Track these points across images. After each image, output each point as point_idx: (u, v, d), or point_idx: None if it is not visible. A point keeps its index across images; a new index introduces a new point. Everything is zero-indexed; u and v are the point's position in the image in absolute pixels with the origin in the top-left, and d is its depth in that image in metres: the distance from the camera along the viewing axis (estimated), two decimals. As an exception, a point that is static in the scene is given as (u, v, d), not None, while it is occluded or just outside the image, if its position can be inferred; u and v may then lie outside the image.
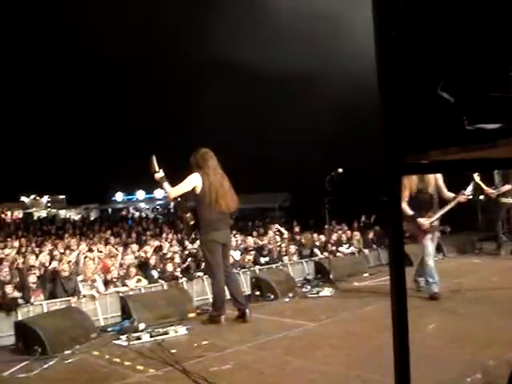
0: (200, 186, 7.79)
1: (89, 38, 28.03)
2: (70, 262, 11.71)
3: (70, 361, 6.40)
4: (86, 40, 28.19)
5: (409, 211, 8.31)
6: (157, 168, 7.83)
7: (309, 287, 10.46)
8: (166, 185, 7.83)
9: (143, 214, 35.49)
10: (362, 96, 12.67)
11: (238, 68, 24.16)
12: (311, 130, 23.25)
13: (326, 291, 9.91)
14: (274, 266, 13.17)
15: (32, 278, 10.73)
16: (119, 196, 47.40)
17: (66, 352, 6.70)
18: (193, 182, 7.82)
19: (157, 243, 14.93)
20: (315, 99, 22.36)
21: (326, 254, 13.03)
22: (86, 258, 12.31)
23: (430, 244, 8.59)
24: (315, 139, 23.37)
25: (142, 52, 29.21)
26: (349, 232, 15.86)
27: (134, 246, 14.04)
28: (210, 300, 11.81)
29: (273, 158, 26.30)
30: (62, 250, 13.87)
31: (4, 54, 30.12)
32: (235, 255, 13.93)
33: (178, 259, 12.65)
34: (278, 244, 15.01)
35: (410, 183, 8.39)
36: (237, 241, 15.32)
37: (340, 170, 10.89)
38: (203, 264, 13.11)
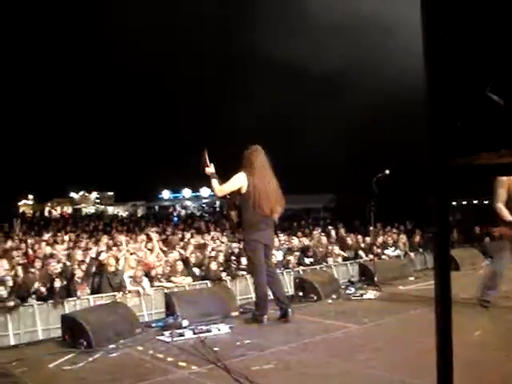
0: (245, 187, 7.76)
1: (140, 39, 28.42)
2: (116, 257, 11.90)
3: (114, 355, 6.50)
4: (138, 40, 28.59)
5: (507, 215, 7.52)
6: (208, 162, 7.84)
7: (353, 289, 10.37)
8: (214, 181, 7.82)
9: (189, 212, 35.79)
10: (409, 93, 12.49)
11: (283, 67, 24.14)
12: (357, 130, 23.05)
13: (370, 294, 9.82)
14: (318, 267, 13.13)
15: (79, 273, 10.95)
16: (166, 194, 47.93)
17: (111, 346, 6.80)
18: (238, 182, 7.79)
19: (201, 241, 15.04)
20: (360, 98, 22.15)
21: (371, 256, 12.91)
22: (131, 254, 12.48)
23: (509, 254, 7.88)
24: (362, 139, 23.17)
25: (189, 53, 29.45)
26: (395, 235, 15.69)
27: (179, 244, 14.18)
28: (254, 299, 11.91)
29: (319, 158, 26.19)
30: (110, 246, 14.10)
31: (59, 52, 30.81)
32: (278, 255, 13.93)
33: (221, 258, 12.72)
34: (323, 245, 14.94)
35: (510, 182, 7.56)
36: (280, 241, 15.30)
37: (387, 172, 10.77)
38: (247, 263, 13.18)
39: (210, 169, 7.84)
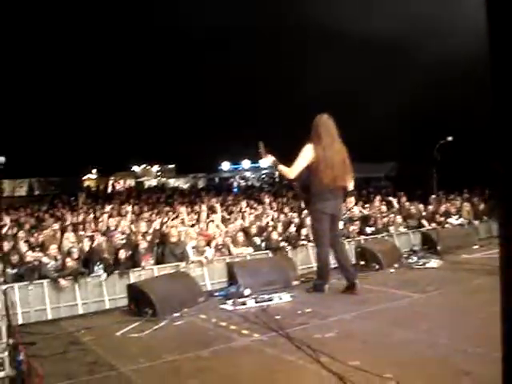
0: (312, 157, 7.66)
1: (191, 12, 28.43)
2: (178, 228, 12.09)
3: (178, 323, 6.66)
4: (189, 14, 28.61)
5: None
6: (265, 154, 7.77)
7: (415, 258, 10.25)
8: (280, 167, 7.81)
9: (249, 183, 35.96)
10: (472, 61, 12.10)
11: (345, 39, 23.74)
12: (420, 98, 22.52)
13: (433, 263, 9.69)
14: (379, 236, 13.01)
15: (143, 244, 11.20)
16: (226, 165, 48.23)
17: (175, 315, 6.96)
18: (307, 154, 7.66)
19: (261, 212, 15.11)
20: (423, 66, 21.58)
21: (433, 224, 12.69)
22: (192, 225, 12.67)
23: None
24: (424, 106, 22.63)
25: (247, 26, 29.28)
26: (458, 203, 15.36)
27: (239, 215, 14.29)
28: (315, 268, 11.93)
29: (380, 127, 25.79)
30: (171, 218, 14.33)
31: (120, 31, 31.24)
32: (339, 224, 13.87)
33: (280, 228, 12.75)
34: (385, 214, 14.77)
35: None
36: (340, 210, 15.20)
37: (449, 138, 10.50)
38: (308, 233, 13.18)
39: (268, 159, 7.80)
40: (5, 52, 29.19)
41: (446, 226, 13.44)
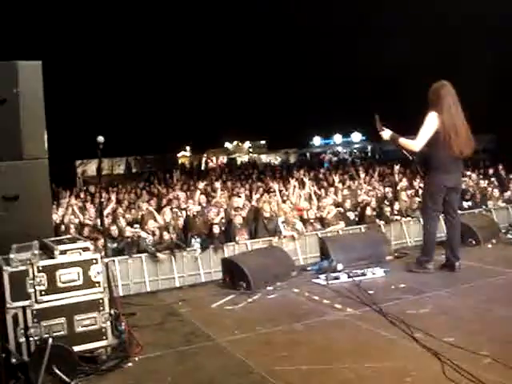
0: (438, 126, 7.11)
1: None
2: (270, 203, 12.23)
3: (272, 296, 6.76)
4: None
5: None
6: (381, 127, 7.36)
7: (514, 234, 9.86)
8: (402, 140, 7.31)
9: (340, 158, 35.70)
10: None
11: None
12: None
13: (534, 238, 9.30)
14: (476, 210, 12.64)
15: (238, 219, 11.42)
16: (317, 140, 48.04)
17: (268, 288, 7.07)
18: (433, 123, 7.10)
19: (353, 186, 15.01)
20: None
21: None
22: (284, 201, 12.75)
23: None
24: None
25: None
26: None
27: (331, 189, 14.26)
28: (408, 244, 11.76)
29: (478, 97, 24.87)
30: (264, 193, 14.48)
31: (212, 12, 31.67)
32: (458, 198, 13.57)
33: (374, 203, 12.64)
34: (482, 188, 14.31)
35: None
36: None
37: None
38: (400, 208, 12.98)
39: (386, 133, 7.36)
40: (101, 34, 30.27)
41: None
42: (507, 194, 13.84)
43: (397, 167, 15.94)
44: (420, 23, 25.80)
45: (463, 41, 24.37)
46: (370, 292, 6.49)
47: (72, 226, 10.80)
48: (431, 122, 7.10)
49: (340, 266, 7.69)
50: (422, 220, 8.18)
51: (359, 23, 29.46)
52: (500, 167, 17.26)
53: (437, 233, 7.65)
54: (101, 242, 8.95)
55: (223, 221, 11.73)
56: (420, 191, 14.37)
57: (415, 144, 7.17)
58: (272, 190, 14.66)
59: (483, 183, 14.96)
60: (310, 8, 30.32)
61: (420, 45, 25.39)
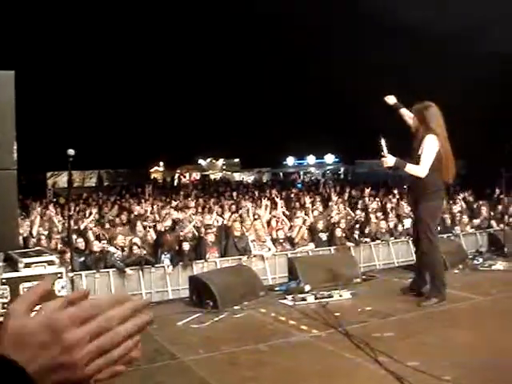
0: (437, 150, 6.92)
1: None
2: (241, 222, 12.22)
3: (238, 316, 6.74)
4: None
5: None
6: (386, 152, 6.88)
7: (480, 260, 9.98)
8: (408, 167, 6.93)
9: (313, 178, 35.92)
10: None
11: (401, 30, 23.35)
12: (486, 93, 21.85)
13: (499, 265, 9.42)
14: (445, 236, 12.76)
15: (210, 237, 11.38)
16: (290, 160, 48.25)
17: (235, 307, 7.05)
18: (434, 147, 6.86)
19: (323, 208, 15.08)
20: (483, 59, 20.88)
21: (502, 225, 12.34)
22: (255, 219, 12.74)
23: None
24: (494, 103, 21.96)
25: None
26: (529, 204, 14.88)
27: (302, 210, 14.29)
28: (377, 267, 11.83)
29: (449, 123, 25.24)
30: (236, 211, 14.47)
31: (187, 18, 31.71)
32: (406, 223, 13.71)
33: (343, 224, 12.70)
34: (451, 214, 14.48)
35: None
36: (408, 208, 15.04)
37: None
38: (370, 230, 13.07)
39: (390, 159, 6.84)
40: (74, 46, 30.16)
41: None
42: (477, 220, 14.02)
43: (367, 190, 16.08)
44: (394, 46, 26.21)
45: (436, 65, 24.79)
46: (337, 314, 6.51)
47: (40, 238, 10.65)
48: (432, 146, 6.88)
49: (307, 287, 7.71)
50: (424, 247, 7.28)
51: (335, 48, 29.79)
52: (468, 193, 17.51)
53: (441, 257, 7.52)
54: (68, 255, 8.84)
55: (194, 237, 11.68)
56: (391, 214, 14.51)
57: (421, 170, 6.88)
58: (244, 208, 14.67)
59: (453, 208, 15.14)
60: (288, 28, 30.61)
61: (392, 67, 25.76)
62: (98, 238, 11.45)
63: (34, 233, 11.19)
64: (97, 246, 10.74)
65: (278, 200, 14.51)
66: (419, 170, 6.88)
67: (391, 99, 7.55)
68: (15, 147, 5.83)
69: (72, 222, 8.36)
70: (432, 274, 7.13)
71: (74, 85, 31.09)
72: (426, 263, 7.24)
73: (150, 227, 12.23)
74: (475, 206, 15.46)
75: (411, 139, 7.24)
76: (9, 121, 5.80)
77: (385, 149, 6.89)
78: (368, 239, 12.33)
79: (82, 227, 11.69)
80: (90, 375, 0.74)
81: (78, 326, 0.73)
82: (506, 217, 12.59)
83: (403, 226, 13.46)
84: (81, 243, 10.72)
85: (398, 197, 17.60)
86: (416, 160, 6.91)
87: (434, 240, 7.13)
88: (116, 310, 0.76)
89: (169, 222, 12.26)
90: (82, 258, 10.49)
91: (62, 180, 29.78)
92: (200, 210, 15.34)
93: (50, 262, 4.81)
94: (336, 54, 29.07)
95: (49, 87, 29.66)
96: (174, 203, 14.75)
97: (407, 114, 7.44)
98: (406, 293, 7.52)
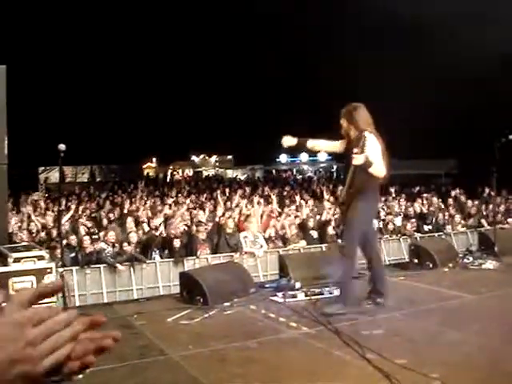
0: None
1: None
2: (234, 219, 12.22)
3: (228, 312, 6.75)
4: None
5: None
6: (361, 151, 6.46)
7: (471, 259, 10.01)
8: (373, 167, 6.48)
9: (306, 176, 35.96)
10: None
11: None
12: (479, 92, 21.92)
13: (489, 264, 9.46)
14: (436, 234, 12.83)
15: (201, 234, 11.38)
16: (283, 158, 48.26)
17: (225, 304, 7.06)
18: (376, 144, 6.57)
19: (317, 205, 15.09)
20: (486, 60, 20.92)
21: (492, 225, 12.40)
22: (248, 216, 12.75)
23: None
24: (487, 101, 22.03)
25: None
26: (519, 203, 14.96)
27: (295, 207, 14.30)
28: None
29: (441, 122, 25.30)
30: (228, 208, 14.46)
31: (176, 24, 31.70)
32: (397, 221, 13.76)
33: (333, 222, 12.73)
34: (443, 213, 14.54)
35: None
36: (400, 206, 15.10)
37: (511, 137, 10.17)
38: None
39: (361, 157, 6.41)
40: (67, 41, 30.07)
41: (506, 226, 13.12)
42: (467, 219, 14.08)
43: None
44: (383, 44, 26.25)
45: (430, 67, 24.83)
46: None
47: (29, 233, 10.62)
48: (375, 143, 6.58)
49: (298, 285, 7.73)
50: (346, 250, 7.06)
51: (332, 46, 29.81)
52: (460, 192, 17.57)
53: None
54: (58, 250, 8.82)
55: (185, 234, 11.67)
56: (382, 212, 14.55)
57: (381, 170, 6.61)
58: (236, 205, 14.67)
59: (444, 208, 15.20)
60: (285, 27, 30.66)
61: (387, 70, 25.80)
62: (89, 233, 11.43)
63: (24, 227, 11.16)
64: (88, 242, 10.71)
65: (273, 196, 14.55)
66: (379, 169, 6.59)
67: (289, 140, 7.01)
68: (6, 142, 5.83)
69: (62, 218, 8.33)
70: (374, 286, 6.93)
71: (66, 79, 31.01)
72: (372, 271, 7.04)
73: (141, 223, 12.22)
74: (466, 205, 15.52)
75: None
76: (0, 116, 5.80)
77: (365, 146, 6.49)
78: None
79: (67, 221, 11.66)
80: (44, 371, 0.81)
81: (36, 326, 0.80)
82: (497, 216, 12.63)
83: (394, 224, 13.51)
84: (72, 239, 10.70)
85: (393, 195, 17.66)
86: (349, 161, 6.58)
87: (354, 252, 6.91)
88: (61, 315, 0.83)
89: (160, 220, 12.24)
90: (73, 254, 10.48)
91: (54, 175, 29.67)
92: (192, 206, 15.32)
93: (40, 257, 4.80)
94: (334, 54, 29.15)
95: (41, 82, 29.57)
96: (166, 200, 14.71)
97: (320, 143, 7.15)
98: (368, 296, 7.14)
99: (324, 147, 7.35)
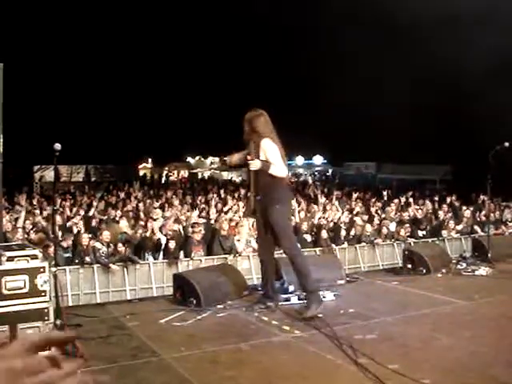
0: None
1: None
2: (229, 221, 12.24)
3: (221, 315, 6.74)
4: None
5: None
6: (253, 155, 6.53)
7: (464, 264, 10.02)
8: (272, 168, 6.48)
9: (301, 179, 35.99)
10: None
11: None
12: (475, 96, 21.97)
13: (483, 270, 9.47)
14: (430, 240, 12.87)
15: (196, 235, 11.39)
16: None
17: (219, 306, 7.04)
18: (276, 149, 6.53)
19: (311, 209, 15.11)
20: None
21: (486, 231, 12.44)
22: (241, 217, 12.77)
23: None
24: (481, 107, 22.09)
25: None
26: (513, 210, 15.03)
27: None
28: (362, 269, 11.89)
29: (436, 128, 25.41)
30: (223, 211, 14.47)
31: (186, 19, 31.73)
32: (391, 226, 13.81)
33: (330, 226, 12.77)
34: (437, 218, 14.60)
35: None
36: (394, 212, 15.15)
37: (506, 144, 10.19)
38: (356, 233, 13.12)
39: (256, 162, 6.50)
40: (63, 41, 30.05)
41: (499, 232, 13.18)
42: (460, 226, 14.13)
43: (355, 194, 16.17)
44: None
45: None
46: (319, 315, 6.51)
47: (23, 232, 10.61)
48: (273, 147, 6.54)
49: (291, 288, 7.72)
50: (292, 256, 6.79)
51: (324, 50, 29.87)
52: (454, 198, 17.63)
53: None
54: (51, 249, 8.81)
55: (180, 235, 11.69)
56: (376, 217, 14.59)
57: (281, 169, 6.57)
58: (230, 207, 14.68)
59: (438, 214, 15.26)
60: (271, 28, 30.71)
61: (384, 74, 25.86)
62: (84, 233, 11.42)
63: (19, 226, 11.15)
64: (83, 241, 10.70)
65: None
66: (280, 169, 6.55)
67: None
68: (1, 140, 5.81)
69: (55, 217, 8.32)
70: (308, 285, 6.69)
71: (63, 79, 30.98)
72: (295, 271, 6.80)
73: (136, 224, 12.24)
74: (461, 211, 15.58)
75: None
76: (-5, 113, 5.79)
77: (253, 151, 6.58)
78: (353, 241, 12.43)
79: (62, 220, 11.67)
80: None
81: (32, 376, 0.78)
82: (491, 222, 12.67)
83: (388, 228, 13.56)
84: (66, 238, 10.70)
85: (385, 199, 17.71)
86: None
87: (299, 249, 6.88)
88: (54, 371, 0.81)
89: (158, 223, 12.24)
90: (68, 254, 10.48)
91: (49, 174, 29.62)
92: (187, 207, 15.33)
93: (33, 256, 4.79)
94: (327, 56, 29.21)
95: (37, 80, 29.53)
96: (161, 201, 14.72)
97: (234, 157, 7.23)
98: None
99: (237, 159, 7.26)
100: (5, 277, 4.62)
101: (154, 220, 12.09)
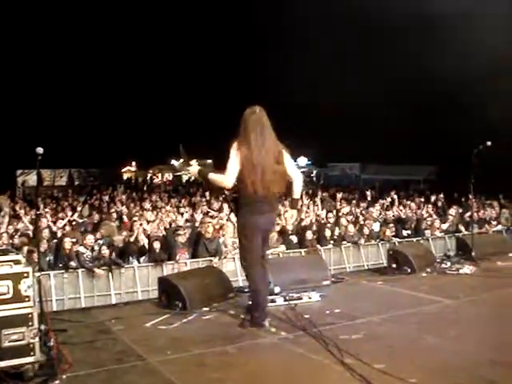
0: (240, 158, 6.11)
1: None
2: (213, 224, 12.22)
3: (207, 317, 6.71)
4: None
5: None
6: (187, 161, 6.48)
7: (448, 263, 10.07)
8: (211, 176, 6.38)
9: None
10: None
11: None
12: (458, 103, 22.18)
13: (467, 269, 9.52)
14: (414, 239, 12.94)
15: (181, 238, 11.37)
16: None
17: (204, 309, 7.02)
18: (235, 155, 6.12)
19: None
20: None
21: (470, 230, 12.52)
22: (227, 220, 12.77)
23: None
24: (463, 107, 22.27)
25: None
26: (497, 208, 15.15)
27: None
28: (347, 270, 11.93)
29: (420, 129, 25.54)
30: (207, 213, 14.45)
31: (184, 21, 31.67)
32: (375, 227, 13.87)
33: (314, 227, 12.80)
34: (422, 218, 14.69)
35: None
36: (378, 212, 15.21)
37: (488, 143, 10.25)
38: (340, 232, 13.15)
39: (193, 168, 6.53)
40: (45, 44, 29.86)
41: (483, 231, 13.28)
42: (445, 225, 14.21)
43: (339, 195, 16.22)
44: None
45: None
46: (305, 316, 6.52)
47: (7, 236, 10.52)
48: (233, 155, 6.15)
49: (277, 289, 7.71)
50: (243, 268, 6.64)
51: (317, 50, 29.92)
52: (439, 197, 17.74)
53: (261, 282, 6.42)
54: (35, 254, 8.74)
55: (165, 238, 11.65)
56: (361, 218, 14.64)
57: (225, 179, 6.19)
58: (215, 209, 14.66)
59: (423, 213, 15.35)
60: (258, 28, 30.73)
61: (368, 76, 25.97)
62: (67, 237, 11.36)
63: (3, 231, 11.06)
64: (66, 245, 10.64)
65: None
66: (223, 179, 6.20)
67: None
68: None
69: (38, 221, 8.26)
70: (253, 302, 6.44)
71: (45, 82, 30.77)
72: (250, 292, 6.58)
73: (121, 227, 12.18)
74: (445, 210, 15.69)
75: None
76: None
77: (185, 156, 6.31)
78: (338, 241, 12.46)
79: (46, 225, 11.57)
80: None
81: None
82: (474, 221, 12.77)
83: (371, 229, 13.62)
84: (50, 243, 10.63)
85: (369, 200, 17.77)
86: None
87: (252, 264, 6.30)
88: None
89: (140, 223, 12.19)
90: (51, 258, 10.40)
91: (32, 178, 29.42)
92: (171, 210, 15.30)
93: (17, 262, 4.74)
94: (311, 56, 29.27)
95: (19, 84, 29.32)
96: (145, 205, 14.67)
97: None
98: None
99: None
100: (-13, 282, 4.57)
101: (140, 224, 12.05)
